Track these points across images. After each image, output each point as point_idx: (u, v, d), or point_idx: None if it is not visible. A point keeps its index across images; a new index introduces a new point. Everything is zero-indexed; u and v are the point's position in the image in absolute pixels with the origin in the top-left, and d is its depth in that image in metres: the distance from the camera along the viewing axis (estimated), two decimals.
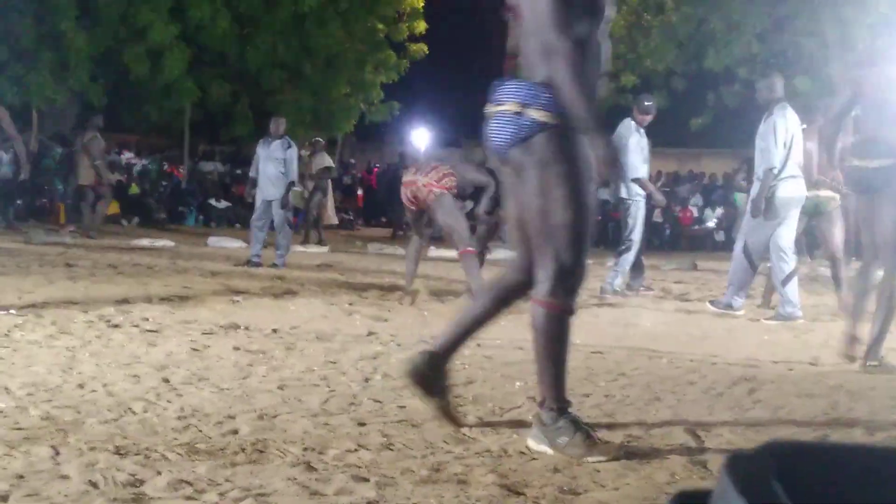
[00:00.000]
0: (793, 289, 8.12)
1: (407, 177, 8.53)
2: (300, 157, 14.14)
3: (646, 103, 9.89)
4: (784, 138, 7.93)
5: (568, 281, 3.43)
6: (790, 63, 20.25)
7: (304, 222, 18.28)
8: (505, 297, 3.71)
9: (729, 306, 8.36)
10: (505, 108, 3.42)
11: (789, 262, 8.14)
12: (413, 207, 8.53)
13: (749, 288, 8.70)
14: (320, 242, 17.30)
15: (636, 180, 9.62)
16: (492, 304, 3.72)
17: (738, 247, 8.46)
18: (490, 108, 3.54)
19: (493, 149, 3.54)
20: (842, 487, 0.60)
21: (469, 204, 8.77)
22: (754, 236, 8.21)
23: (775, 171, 7.93)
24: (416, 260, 9.06)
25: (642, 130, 9.77)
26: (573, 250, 3.39)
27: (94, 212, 16.45)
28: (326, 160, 18.21)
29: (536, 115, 3.35)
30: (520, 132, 3.37)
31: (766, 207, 8.00)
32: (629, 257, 9.75)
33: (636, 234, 9.72)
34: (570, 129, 3.36)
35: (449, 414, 3.73)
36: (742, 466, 0.60)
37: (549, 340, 3.45)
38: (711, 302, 8.69)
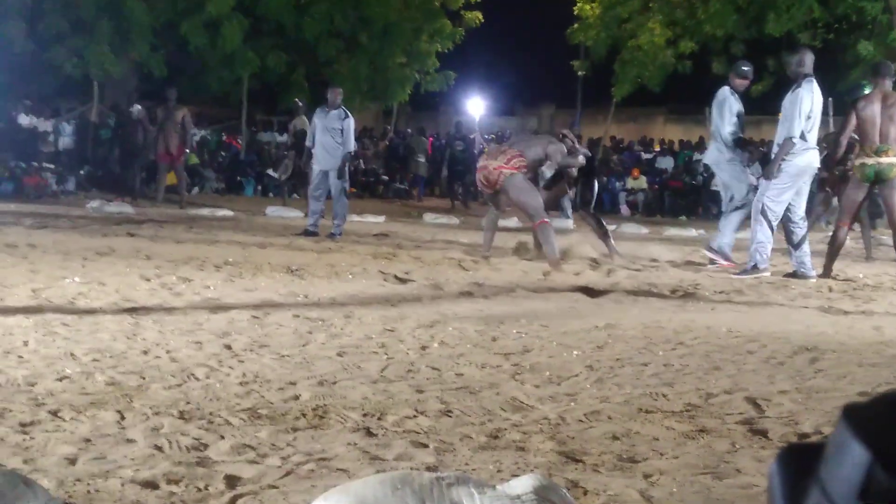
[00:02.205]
0: (806, 251, 8.67)
1: (480, 163, 9.31)
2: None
3: (743, 68, 9.75)
4: (807, 111, 8.42)
5: None
6: (853, 28, 19.84)
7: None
8: None
9: (755, 268, 8.74)
10: None
11: (803, 227, 8.72)
12: (488, 190, 9.23)
13: (771, 247, 8.92)
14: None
15: (739, 140, 9.52)
16: None
17: (754, 210, 8.81)
18: None
19: None
20: None
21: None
22: (774, 200, 8.62)
23: (794, 140, 8.41)
24: (494, 229, 9.69)
25: (737, 95, 9.60)
26: None
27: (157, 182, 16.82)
28: (303, 123, 17.52)
29: None
30: None
31: (778, 172, 8.49)
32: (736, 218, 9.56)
33: (739, 196, 9.53)
34: None
35: None
36: (863, 417, 0.59)
37: None
38: (741, 272, 8.87)
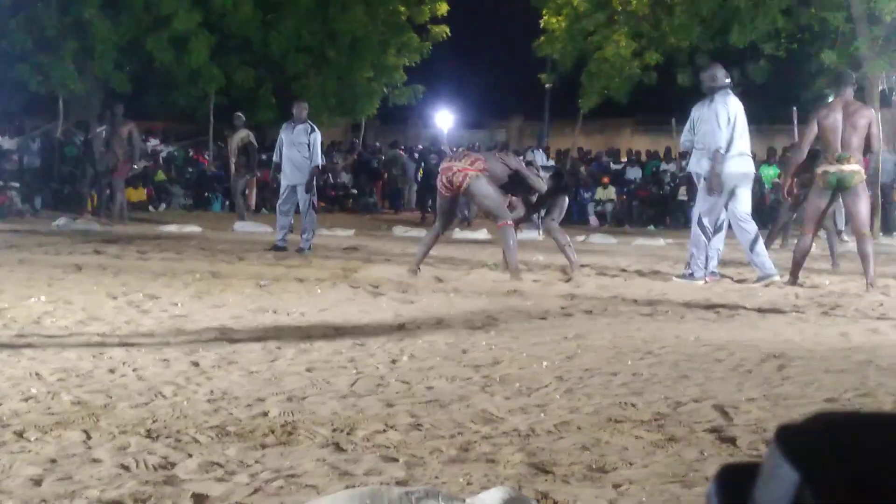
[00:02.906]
0: (761, 251, 8.91)
1: (443, 164, 9.27)
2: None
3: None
4: (725, 121, 8.74)
5: None
6: (816, 38, 20.05)
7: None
8: None
9: (691, 276, 9.02)
10: None
11: (750, 229, 8.90)
12: (447, 193, 9.07)
13: (706, 259, 9.11)
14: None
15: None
16: None
17: (693, 222, 9.23)
18: None
19: None
20: None
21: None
22: (708, 212, 8.96)
23: (722, 151, 8.70)
24: (431, 245, 9.42)
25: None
26: None
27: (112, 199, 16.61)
28: (245, 136, 17.11)
29: None
30: None
31: (714, 184, 8.79)
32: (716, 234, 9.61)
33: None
34: None
35: None
36: (793, 438, 0.59)
37: None
38: (679, 276, 9.24)
